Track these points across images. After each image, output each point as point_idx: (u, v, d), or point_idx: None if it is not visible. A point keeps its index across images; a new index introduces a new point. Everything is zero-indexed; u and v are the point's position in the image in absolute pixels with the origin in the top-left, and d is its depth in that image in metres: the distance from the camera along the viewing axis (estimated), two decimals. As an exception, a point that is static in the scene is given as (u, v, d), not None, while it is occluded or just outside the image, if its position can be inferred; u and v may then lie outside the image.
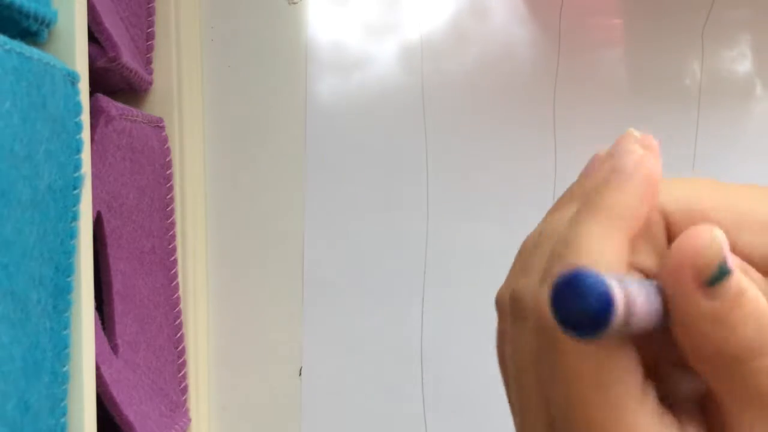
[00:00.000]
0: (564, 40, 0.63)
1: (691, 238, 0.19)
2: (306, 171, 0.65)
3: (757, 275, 0.21)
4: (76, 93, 0.42)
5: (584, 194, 0.22)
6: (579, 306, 0.15)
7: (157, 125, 0.61)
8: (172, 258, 0.61)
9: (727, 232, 0.20)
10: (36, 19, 0.41)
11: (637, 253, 0.21)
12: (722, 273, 0.19)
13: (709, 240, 0.19)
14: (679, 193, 0.21)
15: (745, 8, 0.62)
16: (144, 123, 0.58)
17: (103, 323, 0.52)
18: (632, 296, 0.17)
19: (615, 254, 0.20)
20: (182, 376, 0.61)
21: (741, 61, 0.62)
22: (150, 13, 0.61)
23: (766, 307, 0.19)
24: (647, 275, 0.21)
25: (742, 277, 0.19)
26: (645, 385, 0.20)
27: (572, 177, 0.26)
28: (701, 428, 0.21)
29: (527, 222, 0.27)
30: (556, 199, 0.27)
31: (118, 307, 0.53)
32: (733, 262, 0.19)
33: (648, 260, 0.21)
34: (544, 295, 0.20)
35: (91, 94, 0.48)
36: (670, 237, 0.21)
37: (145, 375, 0.56)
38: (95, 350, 0.44)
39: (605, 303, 0.15)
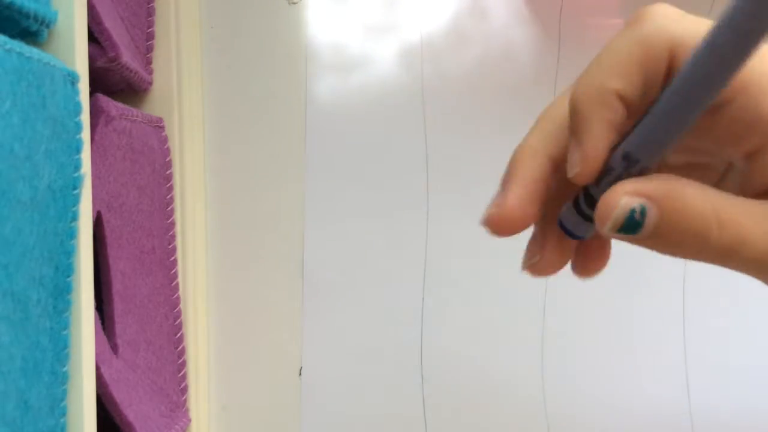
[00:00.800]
0: (564, 41, 0.63)
1: (604, 201, 0.23)
2: (306, 171, 0.65)
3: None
4: (76, 93, 0.42)
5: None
6: None
7: (157, 125, 0.61)
8: (172, 258, 0.61)
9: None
10: (36, 19, 0.41)
11: (626, 84, 0.23)
12: (633, 226, 0.22)
13: (618, 205, 0.22)
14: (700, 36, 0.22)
15: (745, 8, 0.62)
16: (144, 123, 0.58)
17: (103, 323, 0.52)
18: None
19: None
20: (182, 376, 0.61)
21: (741, 62, 0.62)
22: (150, 13, 0.61)
23: (700, 213, 0.22)
24: (631, 103, 0.23)
25: (677, 200, 0.22)
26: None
27: (572, 177, 0.26)
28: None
29: (527, 222, 0.27)
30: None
31: (118, 307, 0.53)
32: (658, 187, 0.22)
33: (635, 90, 0.23)
34: None
35: (91, 94, 0.48)
36: (673, 67, 0.23)
37: (145, 375, 0.56)
38: (95, 350, 0.44)
39: None
